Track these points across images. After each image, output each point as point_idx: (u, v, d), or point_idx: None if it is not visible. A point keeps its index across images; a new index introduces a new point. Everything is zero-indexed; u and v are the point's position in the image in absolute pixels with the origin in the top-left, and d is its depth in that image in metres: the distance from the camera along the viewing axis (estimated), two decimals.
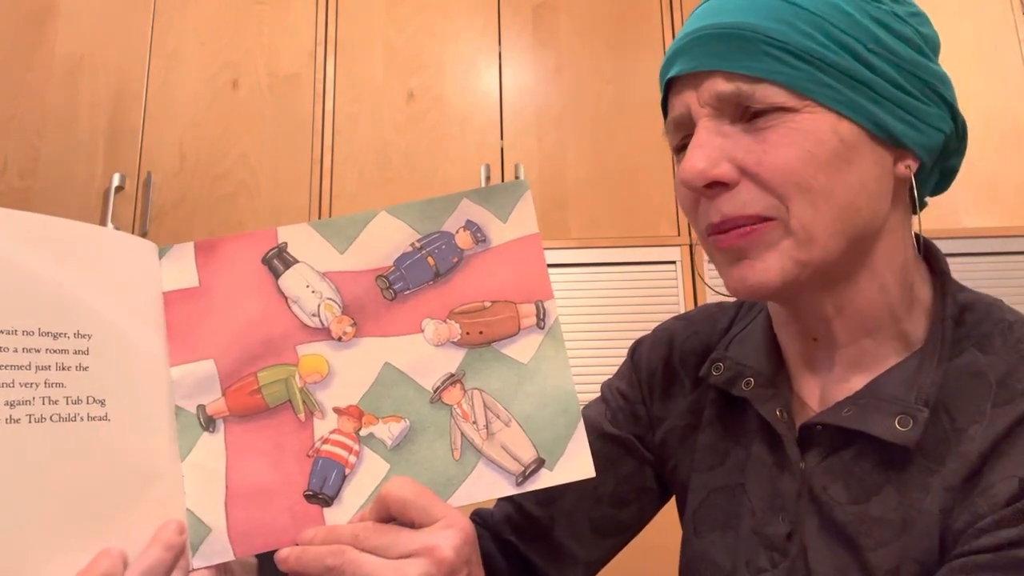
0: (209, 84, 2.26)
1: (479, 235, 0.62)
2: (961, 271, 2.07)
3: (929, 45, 0.60)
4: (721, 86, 0.57)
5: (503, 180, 2.19)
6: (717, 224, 0.58)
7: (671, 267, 2.14)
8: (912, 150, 0.59)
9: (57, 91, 2.24)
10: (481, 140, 2.23)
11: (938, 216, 2.13)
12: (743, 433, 0.69)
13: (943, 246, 2.28)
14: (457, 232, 0.62)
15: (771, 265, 0.57)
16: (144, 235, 2.14)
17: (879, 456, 0.58)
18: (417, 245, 0.61)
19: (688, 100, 0.60)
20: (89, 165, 2.19)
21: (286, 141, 2.23)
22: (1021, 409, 0.54)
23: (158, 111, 2.24)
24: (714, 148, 0.57)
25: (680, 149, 0.64)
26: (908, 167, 0.59)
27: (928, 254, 0.65)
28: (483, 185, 2.17)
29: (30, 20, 2.28)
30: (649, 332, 0.83)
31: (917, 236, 0.65)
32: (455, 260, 0.61)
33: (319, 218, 2.17)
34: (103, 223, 2.12)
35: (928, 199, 0.66)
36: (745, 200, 0.57)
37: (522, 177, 2.17)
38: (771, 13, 0.57)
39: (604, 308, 2.10)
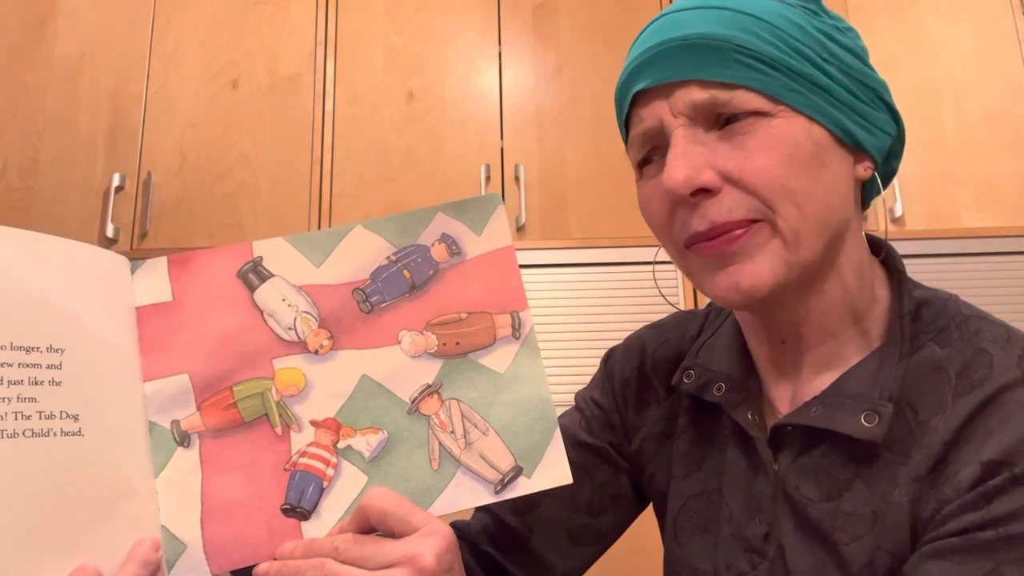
0: (209, 84, 2.26)
1: (454, 248, 0.62)
2: (961, 271, 2.06)
3: (866, 56, 0.63)
4: (696, 95, 0.58)
5: (503, 180, 2.19)
6: (704, 232, 0.58)
7: (671, 267, 2.13)
8: (869, 152, 0.61)
9: (57, 91, 2.24)
10: (481, 140, 2.23)
11: (938, 216, 2.12)
12: (718, 438, 0.70)
13: (943, 246, 2.24)
14: (433, 245, 0.62)
15: (763, 268, 0.58)
16: (144, 235, 2.14)
17: (848, 453, 0.59)
18: (393, 258, 0.62)
19: (659, 111, 0.60)
20: (89, 165, 2.20)
21: (286, 141, 2.23)
22: (980, 397, 0.55)
23: (158, 111, 2.24)
24: (695, 155, 0.58)
25: (644, 163, 0.64)
26: (867, 168, 0.62)
27: (885, 254, 0.67)
28: (483, 186, 2.17)
29: (30, 20, 2.29)
30: (621, 341, 0.83)
31: (876, 238, 0.67)
32: (431, 272, 0.61)
33: (319, 218, 2.18)
34: (103, 223, 2.13)
35: (872, 201, 0.68)
36: (730, 206, 0.57)
37: (522, 177, 2.17)
38: (735, 24, 0.58)
39: (604, 308, 2.10)
